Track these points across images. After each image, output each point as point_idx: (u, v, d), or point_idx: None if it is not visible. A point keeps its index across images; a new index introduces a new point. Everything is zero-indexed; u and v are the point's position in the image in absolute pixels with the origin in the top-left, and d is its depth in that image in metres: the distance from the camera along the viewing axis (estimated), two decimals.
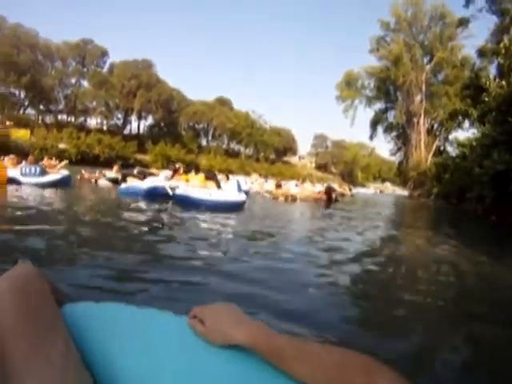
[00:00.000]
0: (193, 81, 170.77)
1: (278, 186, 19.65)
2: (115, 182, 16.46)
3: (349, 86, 50.65)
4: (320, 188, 21.90)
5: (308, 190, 20.26)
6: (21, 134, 53.25)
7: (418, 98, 44.27)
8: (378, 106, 50.34)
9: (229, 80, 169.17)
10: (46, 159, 15.68)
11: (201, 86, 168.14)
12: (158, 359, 0.97)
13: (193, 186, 11.50)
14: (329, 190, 18.58)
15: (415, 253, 6.69)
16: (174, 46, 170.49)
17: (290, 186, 20.99)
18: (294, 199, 17.74)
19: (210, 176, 11.80)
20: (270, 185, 21.61)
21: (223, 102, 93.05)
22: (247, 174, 45.01)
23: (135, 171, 16.13)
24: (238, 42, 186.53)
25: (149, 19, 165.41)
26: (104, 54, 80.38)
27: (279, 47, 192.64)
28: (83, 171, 18.44)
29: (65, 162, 16.41)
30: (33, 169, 13.23)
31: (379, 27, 44.68)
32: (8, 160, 15.00)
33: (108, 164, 44.66)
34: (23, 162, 14.76)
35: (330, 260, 5.12)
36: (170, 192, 11.61)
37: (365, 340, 2.66)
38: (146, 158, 63.86)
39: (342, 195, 27.37)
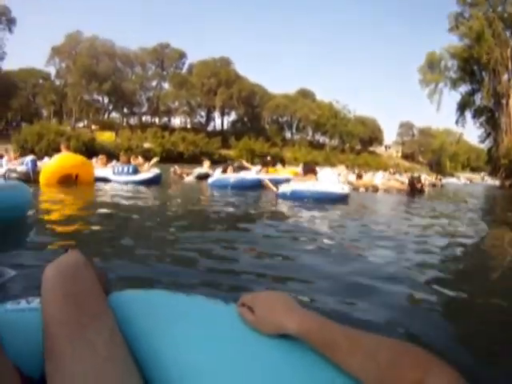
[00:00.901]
0: (273, 75, 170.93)
1: (359, 176, 19.05)
2: (205, 177, 16.33)
3: (432, 68, 47.89)
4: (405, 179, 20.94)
5: (391, 181, 19.46)
6: (106, 137, 56.36)
7: (505, 77, 40.26)
8: (464, 88, 46.68)
9: (310, 71, 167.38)
10: (132, 158, 15.91)
11: (282, 80, 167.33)
12: (206, 348, 0.96)
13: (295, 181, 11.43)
14: (412, 181, 17.68)
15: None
16: (251, 41, 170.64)
17: (376, 177, 20.51)
18: (375, 190, 17.16)
19: (310, 169, 11.49)
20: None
21: (305, 94, 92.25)
22: (333, 165, 43.82)
23: (235, 165, 16.71)
24: (314, 31, 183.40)
25: (223, 18, 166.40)
26: (182, 56, 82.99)
27: (356, 35, 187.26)
28: (176, 167, 18.97)
29: (156, 159, 16.42)
30: (125, 168, 13.59)
31: (455, 3, 41.85)
32: (98, 160, 15.74)
33: (193, 160, 46.34)
34: (114, 162, 15.65)
35: None
36: (274, 188, 11.57)
37: None
38: (231, 153, 64.86)
39: (434, 186, 27.42)
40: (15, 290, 2.69)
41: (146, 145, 55.27)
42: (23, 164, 12.49)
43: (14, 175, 11.81)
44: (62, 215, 6.42)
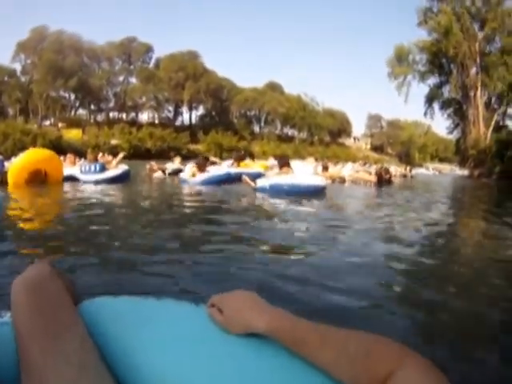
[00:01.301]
0: (241, 68, 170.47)
1: (325, 168, 19.00)
2: (177, 173, 16.65)
3: (400, 61, 48.18)
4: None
5: (360, 173, 19.67)
6: (73, 134, 55.98)
7: (473, 71, 40.72)
8: (433, 81, 47.17)
9: (277, 64, 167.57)
10: (100, 155, 15.78)
11: (250, 73, 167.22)
12: (176, 350, 0.96)
13: (270, 174, 11.95)
14: (380, 172, 17.99)
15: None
16: (218, 35, 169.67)
17: (345, 168, 20.95)
18: (342, 181, 17.44)
19: (285, 162, 11.56)
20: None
21: (273, 87, 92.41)
22: (302, 158, 43.95)
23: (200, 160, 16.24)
24: (282, 23, 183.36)
25: (190, 11, 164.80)
26: (149, 49, 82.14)
27: (328, 27, 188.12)
28: (152, 163, 18.66)
29: (122, 154, 16.02)
30: (93, 166, 13.32)
31: None
32: (66, 159, 15.43)
33: (160, 156, 45.98)
34: (82, 160, 15.65)
35: None
36: (252, 184, 11.69)
37: None
38: (199, 147, 64.55)
39: (404, 176, 28.48)
40: None
41: (114, 141, 54.52)
42: None
43: None
44: (30, 219, 6.20)
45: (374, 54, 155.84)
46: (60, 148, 39.42)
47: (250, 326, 0.91)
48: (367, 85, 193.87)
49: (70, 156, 15.89)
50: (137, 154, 49.64)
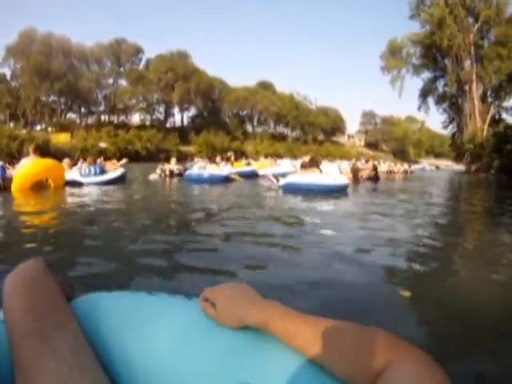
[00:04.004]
0: (232, 67, 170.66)
1: (304, 166, 19.32)
2: (179, 174, 17.82)
3: (393, 55, 48.38)
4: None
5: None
6: (62, 138, 55.71)
7: (467, 63, 41.09)
8: (427, 74, 47.79)
9: (268, 63, 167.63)
10: (100, 159, 16.37)
11: (241, 72, 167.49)
12: (169, 345, 0.97)
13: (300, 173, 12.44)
14: (355, 171, 18.62)
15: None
16: (208, 33, 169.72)
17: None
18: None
19: (313, 163, 12.37)
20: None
21: (265, 86, 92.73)
22: (295, 157, 44.27)
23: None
24: (273, 21, 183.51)
25: (179, 11, 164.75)
26: (138, 51, 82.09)
27: (317, 23, 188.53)
28: (166, 165, 19.14)
29: (125, 160, 17.17)
30: (92, 169, 13.85)
31: None
32: (63, 164, 15.38)
33: (150, 159, 45.92)
34: (79, 164, 15.87)
35: None
36: (275, 181, 12.63)
37: None
38: (191, 148, 64.31)
39: (406, 172, 30.69)
40: None
41: (102, 144, 54.40)
42: None
43: None
44: (30, 221, 6.40)
45: (366, 50, 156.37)
46: (48, 152, 39.47)
47: (243, 319, 0.92)
48: (361, 81, 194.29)
49: (67, 161, 16.10)
50: (126, 156, 49.57)
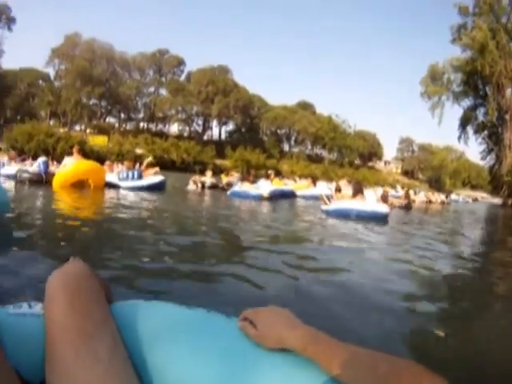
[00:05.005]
0: (273, 86, 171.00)
1: (338, 190, 19.56)
2: (214, 187, 18.82)
3: (434, 80, 48.00)
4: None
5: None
6: (99, 141, 56.67)
7: (509, 91, 40.75)
8: (467, 102, 47.26)
9: (310, 83, 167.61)
10: (143, 165, 16.65)
11: (281, 92, 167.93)
12: (204, 361, 0.98)
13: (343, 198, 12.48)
14: (384, 198, 18.42)
15: None
16: (251, 51, 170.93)
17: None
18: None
19: (359, 189, 12.37)
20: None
21: (305, 106, 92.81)
22: (330, 179, 44.22)
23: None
24: (313, 45, 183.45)
25: (222, 27, 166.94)
26: (180, 62, 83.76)
27: (360, 51, 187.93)
28: (197, 177, 19.67)
29: (156, 169, 17.04)
30: (130, 173, 14.31)
31: (457, 13, 42.11)
32: (105, 166, 16.19)
33: (184, 169, 46.44)
34: (119, 167, 16.52)
35: None
36: (328, 202, 12.50)
37: None
38: (226, 163, 64.46)
39: (443, 203, 30.97)
40: None
41: (139, 150, 55.45)
42: (34, 165, 13.11)
43: (25, 175, 12.37)
44: (67, 216, 6.89)
45: (407, 76, 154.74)
46: (83, 153, 40.66)
47: (283, 342, 0.95)
48: (399, 107, 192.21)
49: (108, 163, 17.04)
50: (162, 165, 50.46)
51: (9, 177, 13.52)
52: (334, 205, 11.87)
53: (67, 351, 0.92)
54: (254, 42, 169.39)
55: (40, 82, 72.75)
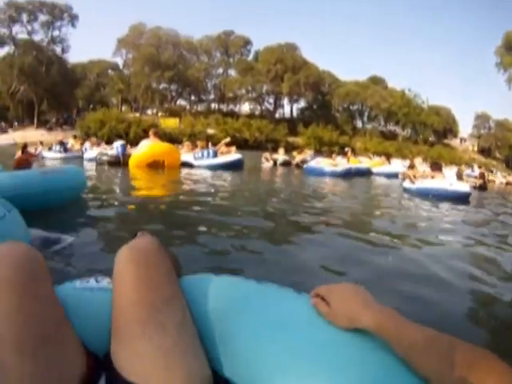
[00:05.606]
0: (343, 62, 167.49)
1: (411, 167, 19.62)
2: (286, 164, 19.52)
3: (510, 50, 45.35)
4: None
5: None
6: (171, 123, 58.27)
7: None
8: None
9: (381, 58, 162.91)
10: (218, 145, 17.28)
11: (352, 67, 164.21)
12: (274, 337, 0.98)
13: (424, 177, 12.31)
14: (458, 178, 18.32)
15: None
16: (319, 28, 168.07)
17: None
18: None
19: (437, 167, 12.50)
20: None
21: (376, 81, 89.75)
22: (404, 157, 43.31)
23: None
24: (383, 19, 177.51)
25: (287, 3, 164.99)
26: (247, 42, 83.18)
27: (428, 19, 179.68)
28: (267, 154, 20.60)
29: (232, 148, 17.26)
30: (205, 152, 15.03)
31: None
32: (184, 146, 17.49)
33: (257, 147, 46.68)
34: (197, 148, 16.98)
35: None
36: (414, 180, 12.26)
37: None
38: (299, 140, 64.52)
39: (507, 184, 28.02)
40: (72, 255, 3.08)
41: (210, 131, 56.54)
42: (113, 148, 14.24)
43: (105, 158, 13.53)
44: (142, 194, 7.46)
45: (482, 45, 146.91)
46: (159, 135, 41.96)
47: (356, 321, 0.93)
48: (475, 80, 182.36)
49: (187, 144, 17.93)
50: (234, 144, 50.92)
51: (91, 160, 14.85)
52: (417, 184, 11.77)
53: (134, 325, 0.93)
54: (319, 14, 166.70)
55: (109, 71, 75.64)
